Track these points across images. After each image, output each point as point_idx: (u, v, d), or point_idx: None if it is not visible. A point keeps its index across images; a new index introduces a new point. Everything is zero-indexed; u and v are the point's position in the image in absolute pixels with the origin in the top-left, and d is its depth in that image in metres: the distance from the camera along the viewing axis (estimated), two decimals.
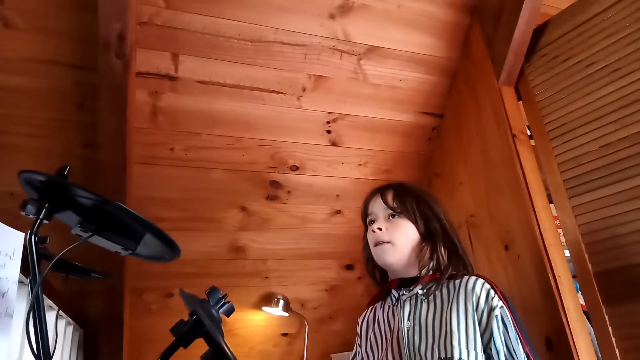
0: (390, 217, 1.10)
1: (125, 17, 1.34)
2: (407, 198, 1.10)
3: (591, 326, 1.42)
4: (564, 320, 1.36)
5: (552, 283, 1.41)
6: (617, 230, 1.35)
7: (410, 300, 1.05)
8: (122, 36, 1.36)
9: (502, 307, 0.95)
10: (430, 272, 1.05)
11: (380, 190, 1.14)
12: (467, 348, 0.92)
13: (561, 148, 1.52)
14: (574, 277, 1.46)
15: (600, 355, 1.36)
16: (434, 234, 1.08)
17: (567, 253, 1.49)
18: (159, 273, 1.91)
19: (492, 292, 0.97)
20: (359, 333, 1.18)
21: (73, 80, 1.53)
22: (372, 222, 1.12)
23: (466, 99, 1.86)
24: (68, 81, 1.53)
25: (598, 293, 1.37)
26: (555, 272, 1.42)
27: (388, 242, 1.06)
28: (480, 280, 1.00)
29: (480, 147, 1.76)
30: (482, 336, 0.93)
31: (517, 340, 0.93)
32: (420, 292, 1.04)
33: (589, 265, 1.40)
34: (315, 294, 2.21)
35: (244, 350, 2.12)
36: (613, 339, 1.32)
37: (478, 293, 0.97)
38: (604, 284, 1.37)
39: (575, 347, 1.33)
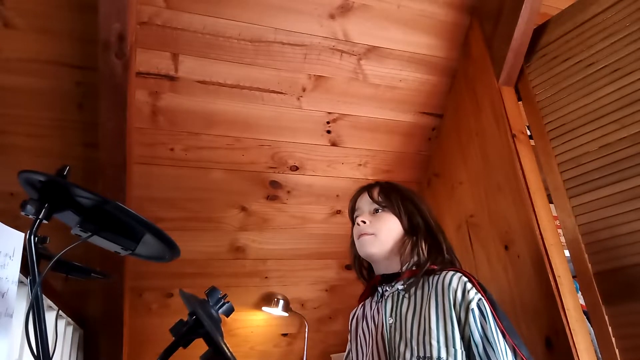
0: (375, 212, 1.11)
1: (125, 17, 1.34)
2: (392, 194, 1.12)
3: (591, 326, 1.42)
4: (564, 320, 1.36)
5: (552, 283, 1.41)
6: (617, 230, 1.35)
7: (393, 296, 1.06)
8: (122, 36, 1.36)
9: (480, 299, 0.94)
10: (413, 267, 1.06)
11: (367, 188, 1.17)
12: (446, 346, 0.91)
13: (561, 148, 1.52)
14: (573, 277, 1.46)
15: (600, 355, 1.36)
16: (416, 229, 1.09)
17: (567, 253, 1.49)
18: (158, 273, 1.91)
19: (468, 285, 0.96)
20: (350, 330, 1.19)
21: (73, 80, 1.53)
22: (358, 217, 1.13)
23: (466, 99, 1.86)
24: (68, 81, 1.53)
25: (598, 293, 1.37)
26: (555, 272, 1.42)
27: (371, 234, 1.08)
28: (457, 275, 0.99)
29: (480, 147, 1.76)
30: (463, 331, 0.93)
31: (496, 332, 0.91)
32: (400, 287, 1.05)
33: (589, 265, 1.40)
34: (315, 294, 2.21)
35: (244, 350, 2.13)
36: (613, 339, 1.32)
37: (455, 287, 0.96)
38: (603, 284, 1.37)
39: (575, 347, 1.33)
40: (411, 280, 1.03)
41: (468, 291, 0.95)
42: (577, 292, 1.44)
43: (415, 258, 1.06)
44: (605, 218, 1.37)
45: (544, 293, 1.43)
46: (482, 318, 0.92)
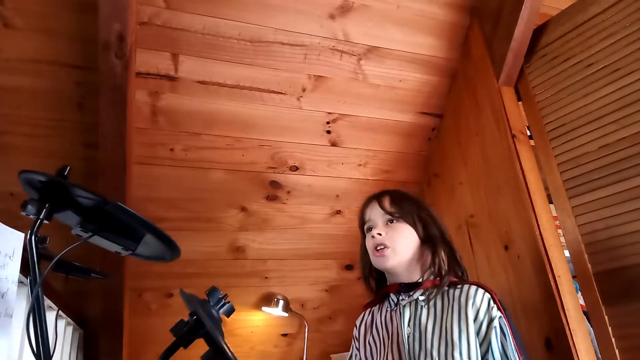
0: (389, 223, 1.10)
1: (125, 17, 1.34)
2: (405, 203, 1.11)
3: (591, 326, 1.42)
4: (564, 320, 1.36)
5: (552, 283, 1.41)
6: (616, 230, 1.35)
7: (410, 305, 1.05)
8: (122, 36, 1.36)
9: (500, 317, 0.96)
10: (432, 277, 1.05)
11: (376, 197, 1.15)
12: (468, 357, 0.93)
13: (561, 148, 1.52)
14: (573, 277, 1.46)
15: (600, 355, 1.36)
16: (433, 238, 1.08)
17: (567, 253, 1.49)
18: (158, 273, 1.91)
19: (491, 302, 0.98)
20: (357, 336, 1.18)
21: (73, 80, 1.53)
22: (370, 228, 1.11)
23: (466, 99, 1.86)
24: (68, 81, 1.53)
25: (598, 293, 1.37)
26: (555, 273, 1.42)
27: (388, 248, 1.06)
28: (481, 290, 1.00)
29: (480, 147, 1.76)
30: (480, 345, 0.94)
31: (514, 351, 0.93)
32: (420, 297, 1.04)
33: (589, 265, 1.40)
34: (315, 294, 2.21)
35: (244, 350, 2.12)
36: (613, 339, 1.32)
37: (478, 304, 0.98)
38: (603, 284, 1.37)
39: (575, 348, 1.33)
40: (432, 291, 1.03)
41: (492, 308, 0.97)
42: (577, 293, 1.44)
43: (435, 268, 1.06)
44: (605, 218, 1.37)
45: (544, 293, 1.43)
46: (502, 336, 0.94)
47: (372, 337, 1.12)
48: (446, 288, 1.04)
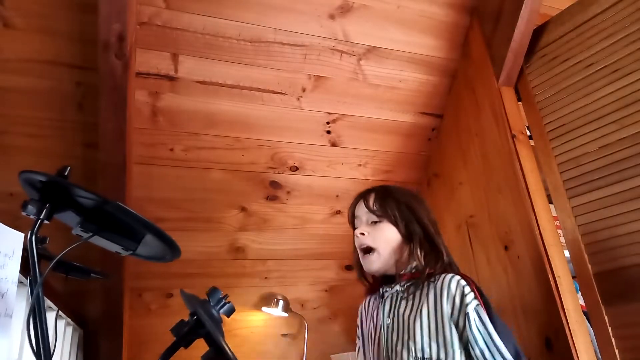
0: (373, 222, 1.11)
1: (125, 17, 1.34)
2: (389, 201, 1.12)
3: (591, 326, 1.42)
4: (564, 320, 1.36)
5: (552, 283, 1.41)
6: (616, 230, 1.35)
7: (392, 297, 1.07)
8: (122, 36, 1.36)
9: (477, 304, 0.96)
10: (413, 270, 1.06)
11: (363, 195, 1.17)
12: (444, 347, 0.93)
13: (561, 148, 1.52)
14: (573, 277, 1.46)
15: (599, 355, 1.36)
16: (412, 236, 1.09)
17: (566, 253, 1.49)
18: (158, 273, 1.91)
19: (467, 289, 0.97)
20: (359, 324, 1.20)
21: (73, 81, 1.53)
22: (357, 228, 1.14)
23: (466, 99, 1.86)
24: (68, 81, 1.53)
25: (598, 293, 1.37)
26: (555, 273, 1.42)
27: (373, 251, 1.08)
28: (456, 278, 1.00)
29: (480, 147, 1.76)
30: (461, 334, 0.94)
31: (491, 337, 0.93)
32: (399, 289, 1.06)
33: (589, 265, 1.40)
34: (315, 294, 2.21)
35: (244, 350, 2.12)
36: (612, 339, 1.32)
37: (453, 292, 0.98)
38: (603, 284, 1.37)
39: (575, 348, 1.33)
40: (410, 283, 1.05)
41: (466, 295, 0.96)
42: (577, 293, 1.44)
43: (414, 263, 1.07)
44: (605, 218, 1.38)
45: (544, 293, 1.43)
46: (479, 323, 0.94)
47: (367, 325, 1.15)
48: (426, 280, 1.04)
